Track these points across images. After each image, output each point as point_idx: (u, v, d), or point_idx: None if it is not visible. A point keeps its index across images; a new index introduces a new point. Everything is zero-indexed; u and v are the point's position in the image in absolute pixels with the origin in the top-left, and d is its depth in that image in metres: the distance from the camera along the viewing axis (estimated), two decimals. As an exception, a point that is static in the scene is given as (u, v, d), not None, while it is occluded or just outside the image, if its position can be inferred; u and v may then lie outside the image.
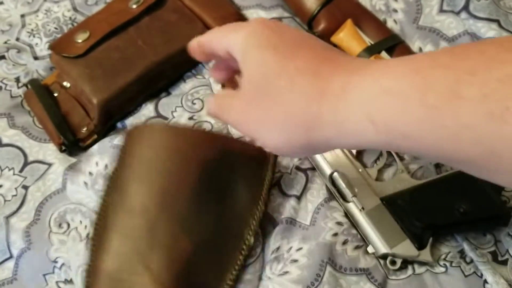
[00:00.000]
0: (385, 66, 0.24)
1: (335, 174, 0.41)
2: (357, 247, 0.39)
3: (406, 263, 0.38)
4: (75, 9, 0.55)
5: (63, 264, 0.42)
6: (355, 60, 0.27)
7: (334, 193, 0.41)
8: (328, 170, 0.41)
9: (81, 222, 0.43)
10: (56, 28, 0.54)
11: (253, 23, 0.29)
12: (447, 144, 0.22)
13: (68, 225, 0.43)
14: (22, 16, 0.55)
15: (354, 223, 0.39)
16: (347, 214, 0.40)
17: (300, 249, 0.39)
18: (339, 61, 0.26)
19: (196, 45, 0.34)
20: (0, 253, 0.43)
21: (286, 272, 0.38)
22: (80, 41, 0.49)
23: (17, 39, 0.54)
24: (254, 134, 0.29)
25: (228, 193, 0.40)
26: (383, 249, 0.37)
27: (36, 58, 0.53)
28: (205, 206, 0.39)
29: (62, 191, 0.45)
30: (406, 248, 0.37)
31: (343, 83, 0.25)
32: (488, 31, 0.44)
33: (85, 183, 0.45)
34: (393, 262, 0.37)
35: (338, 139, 0.26)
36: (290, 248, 0.39)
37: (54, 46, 0.50)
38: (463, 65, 0.21)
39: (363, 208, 0.39)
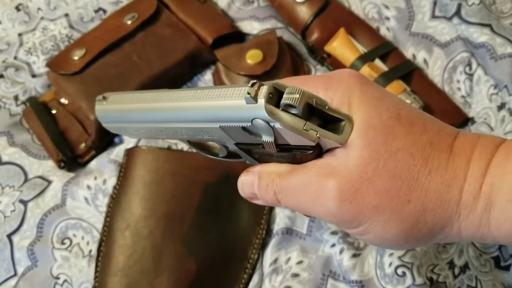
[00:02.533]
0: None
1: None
2: (354, 256, 0.39)
3: (315, 118, 0.23)
4: (71, 27, 0.56)
5: (65, 281, 0.42)
6: (491, 139, 0.23)
7: None
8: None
9: (83, 237, 0.44)
10: (53, 46, 0.55)
11: (348, 79, 0.24)
12: None
13: (71, 241, 0.44)
14: (20, 35, 0.56)
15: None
16: None
17: (300, 262, 0.39)
18: (471, 138, 0.23)
19: None
20: (5, 271, 0.43)
21: (288, 287, 0.38)
22: (76, 58, 0.50)
23: (15, 58, 0.55)
24: (358, 224, 0.24)
25: (231, 214, 0.41)
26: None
27: (34, 76, 0.54)
28: (209, 228, 0.40)
29: (62, 206, 0.45)
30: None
31: (485, 162, 0.22)
32: (480, 35, 0.45)
33: (86, 199, 0.45)
34: (290, 104, 0.22)
35: (470, 232, 0.23)
36: (289, 259, 0.40)
37: (51, 64, 0.51)
38: None
39: None
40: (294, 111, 0.22)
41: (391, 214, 0.22)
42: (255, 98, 0.21)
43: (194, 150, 0.37)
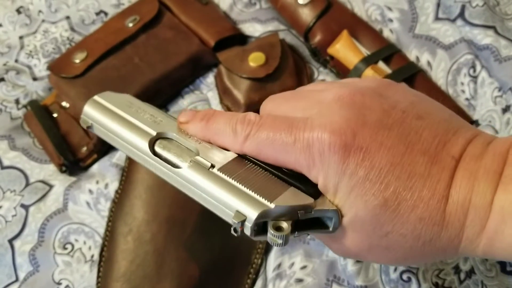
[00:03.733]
0: None
1: (159, 144, 0.28)
2: (358, 260, 0.38)
3: (302, 225, 0.25)
4: (72, 29, 0.55)
5: (67, 286, 0.42)
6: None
7: (160, 168, 0.28)
8: (144, 144, 0.28)
9: (85, 242, 0.43)
10: (54, 49, 0.54)
11: (327, 154, 0.24)
12: None
13: (73, 246, 0.43)
14: (21, 37, 0.56)
15: (197, 198, 0.27)
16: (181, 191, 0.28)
17: (304, 267, 0.39)
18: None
19: None
20: (6, 276, 0.43)
21: None
22: (77, 61, 0.49)
23: (16, 61, 0.55)
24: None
25: None
26: (257, 210, 0.23)
27: (35, 79, 0.53)
28: (212, 232, 0.39)
29: (63, 210, 0.45)
30: (292, 197, 0.25)
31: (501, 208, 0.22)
32: (484, 38, 0.44)
33: (87, 203, 0.45)
34: (278, 228, 0.23)
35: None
36: (292, 263, 0.39)
37: (52, 67, 0.50)
38: None
39: (212, 165, 0.26)
40: (280, 240, 0.23)
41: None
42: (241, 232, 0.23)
43: None
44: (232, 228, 0.23)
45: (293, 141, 0.24)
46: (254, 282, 0.39)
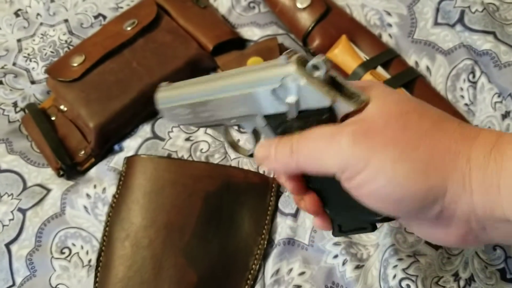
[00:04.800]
0: None
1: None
2: (357, 267, 0.38)
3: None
4: (70, 32, 0.55)
5: (63, 291, 0.41)
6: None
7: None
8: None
9: (82, 247, 0.43)
10: (52, 52, 0.54)
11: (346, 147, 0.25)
12: None
13: (70, 250, 0.43)
14: (19, 40, 0.56)
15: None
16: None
17: (302, 273, 0.39)
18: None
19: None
20: (3, 281, 0.43)
21: None
22: (75, 64, 0.49)
23: (14, 64, 0.54)
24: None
25: (233, 223, 0.40)
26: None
27: (33, 82, 0.53)
28: (210, 238, 0.39)
29: (61, 215, 0.45)
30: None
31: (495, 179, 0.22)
32: (484, 43, 0.44)
33: (85, 207, 0.44)
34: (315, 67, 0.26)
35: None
36: (291, 269, 0.39)
37: (50, 71, 0.50)
38: None
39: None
40: (318, 73, 0.25)
41: (401, 154, 0.23)
42: (287, 61, 0.26)
43: (195, 158, 0.43)
44: (279, 62, 0.27)
45: None
46: (252, 287, 0.39)
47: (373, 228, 0.29)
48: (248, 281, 0.39)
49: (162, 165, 0.42)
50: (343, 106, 0.26)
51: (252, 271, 0.39)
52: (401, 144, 0.23)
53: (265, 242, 0.40)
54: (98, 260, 0.41)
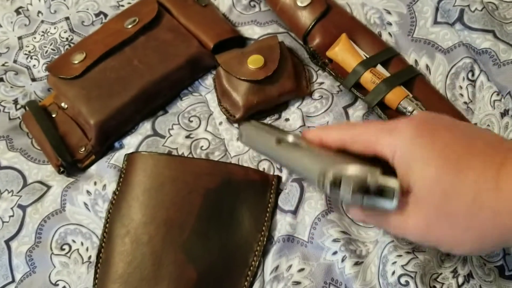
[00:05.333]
0: None
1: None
2: (356, 264, 0.38)
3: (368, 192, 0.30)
4: (71, 30, 0.55)
5: (64, 287, 0.41)
6: None
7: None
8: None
9: (82, 243, 0.43)
10: (53, 49, 0.54)
11: (406, 127, 0.29)
12: None
13: (70, 247, 0.43)
14: (20, 38, 0.56)
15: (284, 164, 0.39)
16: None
17: (301, 270, 0.39)
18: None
19: (320, 137, 0.34)
20: (2, 277, 0.43)
21: None
22: (76, 62, 0.49)
23: (15, 61, 0.54)
24: (438, 245, 0.30)
25: (233, 220, 0.40)
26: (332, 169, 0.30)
27: (33, 79, 0.53)
28: (210, 235, 0.39)
29: (61, 211, 0.45)
30: (363, 167, 0.30)
31: None
32: (483, 42, 0.44)
33: (85, 204, 0.45)
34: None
35: None
36: (290, 266, 0.39)
37: (51, 68, 0.50)
38: None
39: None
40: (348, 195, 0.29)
41: (462, 242, 0.28)
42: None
43: (195, 156, 0.45)
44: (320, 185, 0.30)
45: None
46: (251, 284, 0.39)
47: None
48: (248, 278, 0.39)
49: (162, 162, 0.42)
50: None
51: (251, 268, 0.39)
52: (454, 232, 0.28)
53: (265, 239, 0.40)
54: (98, 256, 0.41)
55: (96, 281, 0.40)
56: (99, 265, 0.40)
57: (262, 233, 0.41)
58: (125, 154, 0.45)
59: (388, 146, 0.29)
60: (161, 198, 0.40)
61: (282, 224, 0.41)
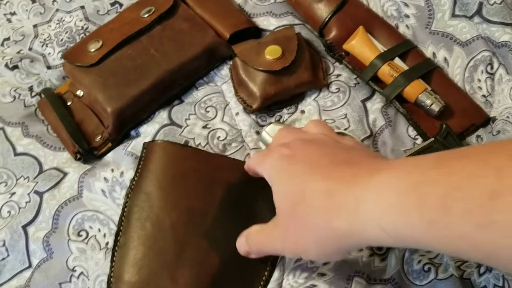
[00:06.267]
0: (388, 182, 0.27)
1: None
2: (383, 260, 0.38)
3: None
4: (87, 19, 0.55)
5: (81, 273, 0.42)
6: (363, 171, 0.29)
7: None
8: None
9: (99, 230, 0.43)
10: (68, 38, 0.54)
11: (272, 156, 0.34)
12: (452, 250, 0.24)
13: (87, 233, 0.43)
14: (35, 26, 0.56)
15: None
16: None
17: (327, 263, 0.39)
18: (348, 173, 0.30)
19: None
20: (19, 263, 0.43)
21: (314, 286, 0.38)
22: (93, 50, 0.49)
23: (30, 49, 0.54)
24: (297, 253, 0.33)
25: (253, 212, 0.40)
26: None
27: (49, 67, 0.53)
28: (231, 224, 0.39)
29: (78, 198, 0.45)
30: None
31: (355, 200, 0.28)
32: (502, 35, 0.44)
33: (103, 191, 0.45)
34: (379, 247, 0.38)
35: (363, 242, 0.30)
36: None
37: (67, 56, 0.50)
38: (450, 181, 0.24)
39: None
40: None
41: (307, 245, 0.32)
42: None
43: (212, 146, 0.46)
44: None
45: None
46: (271, 272, 0.39)
47: None
48: (268, 267, 0.39)
49: (185, 153, 0.42)
50: None
51: (271, 258, 0.39)
52: (300, 238, 0.32)
53: None
54: (115, 240, 0.41)
55: (114, 263, 0.40)
56: (116, 248, 0.40)
57: None
58: (144, 142, 0.45)
59: (264, 175, 0.35)
60: (183, 186, 0.40)
61: None
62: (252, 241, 0.36)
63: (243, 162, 0.43)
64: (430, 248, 0.26)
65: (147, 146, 0.44)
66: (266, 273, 0.38)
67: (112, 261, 0.40)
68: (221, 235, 0.39)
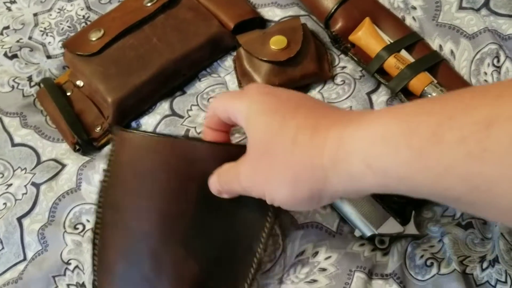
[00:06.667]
0: (377, 116, 0.26)
1: None
2: (385, 254, 0.38)
3: (394, 239, 0.39)
4: (88, 8, 0.54)
5: (76, 267, 0.40)
6: (350, 114, 0.28)
7: None
8: None
9: (96, 223, 0.42)
10: (69, 27, 0.53)
11: (251, 91, 0.31)
12: (436, 183, 0.23)
13: (84, 226, 0.42)
14: (35, 14, 0.55)
15: (337, 210, 0.39)
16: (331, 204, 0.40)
17: (328, 257, 0.38)
18: (335, 116, 0.28)
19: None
20: (14, 255, 0.42)
21: (315, 281, 0.37)
22: (94, 39, 0.48)
23: (30, 38, 0.53)
24: (263, 192, 0.30)
25: (235, 206, 0.35)
26: (369, 231, 0.37)
27: (48, 57, 0.52)
28: (210, 224, 0.35)
29: (76, 190, 0.44)
30: (391, 226, 0.37)
31: (340, 135, 0.26)
32: (509, 27, 0.44)
33: (100, 184, 0.43)
34: (381, 242, 0.38)
35: (340, 187, 0.27)
36: (316, 253, 0.38)
37: (68, 45, 0.49)
38: (444, 110, 0.23)
39: None
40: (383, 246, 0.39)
41: (277, 183, 0.29)
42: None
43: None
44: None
45: None
46: (256, 272, 0.37)
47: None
48: (254, 265, 0.36)
49: (149, 144, 0.35)
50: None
51: (257, 255, 0.36)
52: (273, 176, 0.29)
53: (271, 226, 0.37)
54: (93, 243, 0.37)
55: (96, 273, 0.36)
56: (95, 257, 0.37)
57: (268, 218, 0.36)
58: (112, 127, 0.40)
59: (239, 112, 0.31)
60: (152, 185, 0.35)
61: (310, 211, 0.40)
62: (222, 178, 0.33)
63: (219, 146, 0.36)
64: (413, 187, 0.24)
65: (114, 133, 0.37)
66: (252, 270, 0.36)
67: (93, 270, 0.37)
68: (198, 239, 0.35)
